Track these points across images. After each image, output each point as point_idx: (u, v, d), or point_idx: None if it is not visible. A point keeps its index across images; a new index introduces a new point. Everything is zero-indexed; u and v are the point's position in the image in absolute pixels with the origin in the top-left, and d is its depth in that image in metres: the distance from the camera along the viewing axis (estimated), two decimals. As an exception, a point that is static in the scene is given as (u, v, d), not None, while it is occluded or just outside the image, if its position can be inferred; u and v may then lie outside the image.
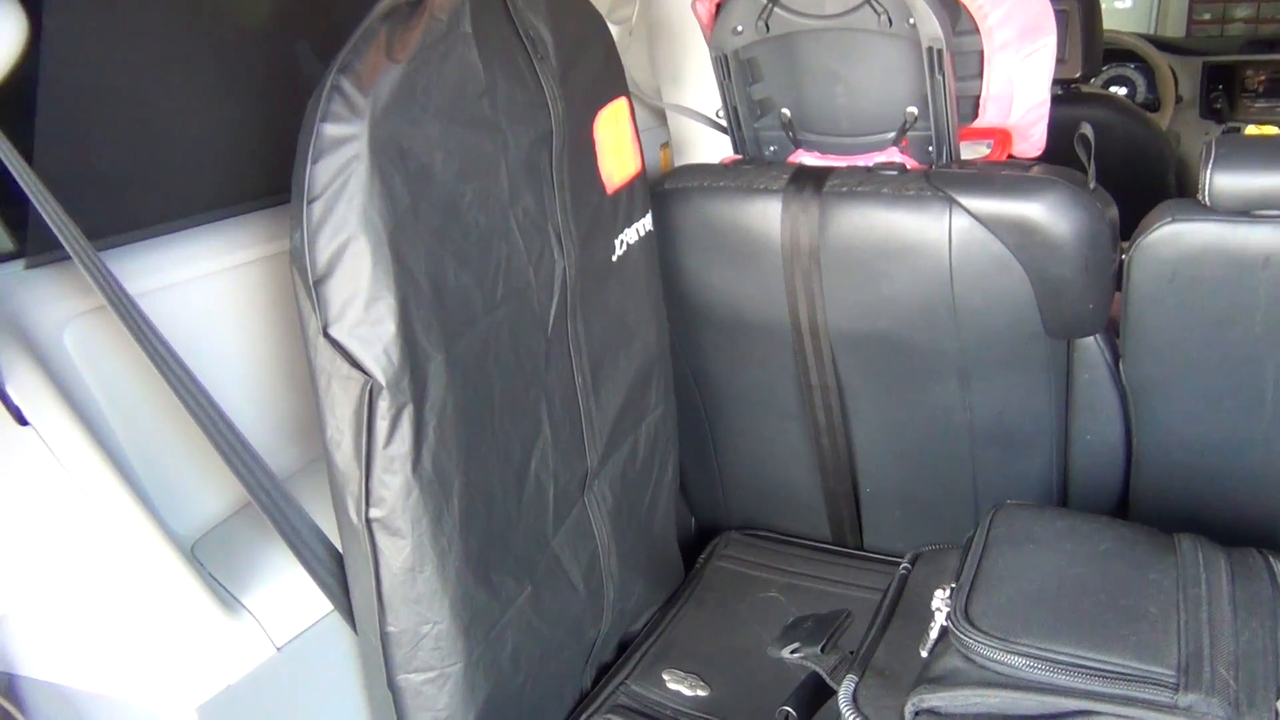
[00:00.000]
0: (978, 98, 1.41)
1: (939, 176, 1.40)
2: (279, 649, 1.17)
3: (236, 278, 1.32)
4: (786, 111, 1.51)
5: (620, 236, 1.46)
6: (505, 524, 1.25)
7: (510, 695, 1.29)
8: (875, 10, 1.34)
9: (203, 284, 1.29)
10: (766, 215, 1.49)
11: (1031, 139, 1.46)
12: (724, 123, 1.57)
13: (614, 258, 1.45)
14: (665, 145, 2.12)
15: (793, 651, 1.24)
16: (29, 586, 1.08)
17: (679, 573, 1.79)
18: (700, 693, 1.51)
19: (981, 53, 1.37)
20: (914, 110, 1.42)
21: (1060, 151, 1.45)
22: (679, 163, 2.08)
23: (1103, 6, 2.55)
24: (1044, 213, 1.34)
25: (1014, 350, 1.48)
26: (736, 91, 1.50)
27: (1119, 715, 0.95)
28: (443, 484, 1.12)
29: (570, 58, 1.31)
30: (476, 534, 1.18)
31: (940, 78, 1.35)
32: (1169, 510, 1.53)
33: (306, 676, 1.23)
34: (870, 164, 1.48)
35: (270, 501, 1.10)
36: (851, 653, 1.19)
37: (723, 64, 1.47)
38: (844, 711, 1.09)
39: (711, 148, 1.72)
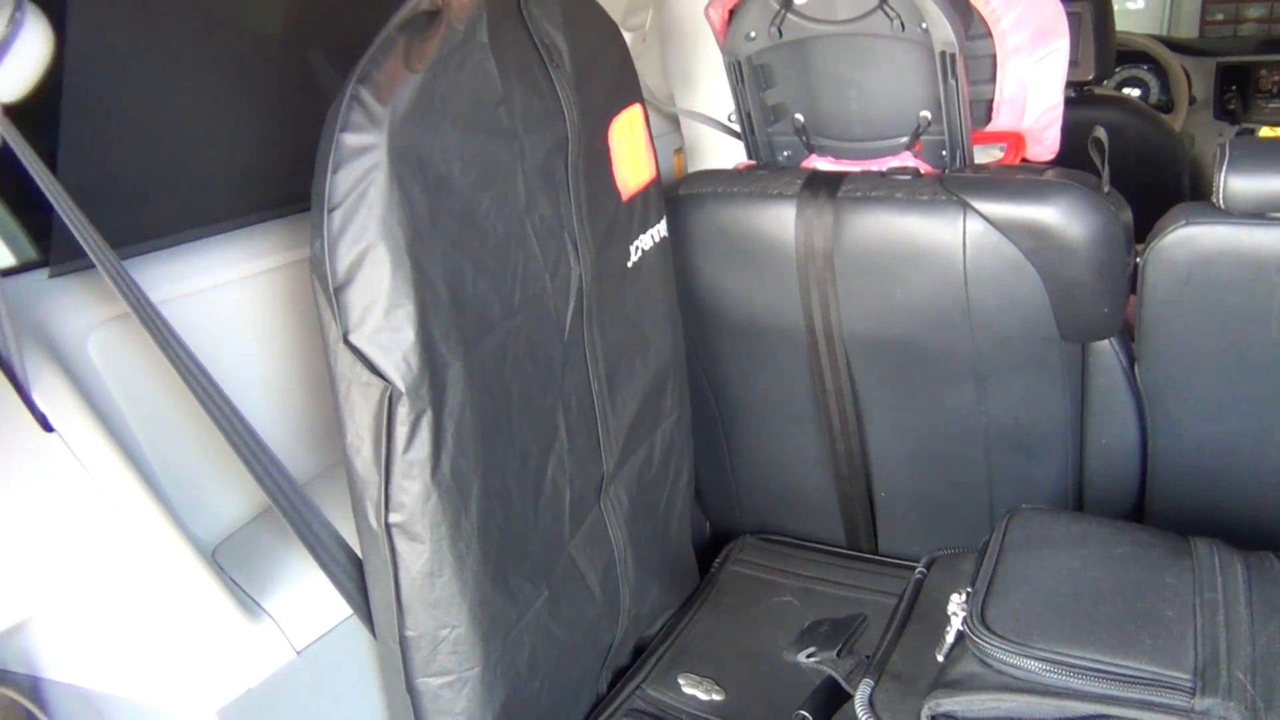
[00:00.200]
0: (991, 101, 1.41)
1: (953, 181, 1.41)
2: (299, 653, 1.18)
3: (257, 285, 1.34)
4: (800, 117, 1.51)
5: (635, 242, 1.47)
6: (522, 529, 1.26)
7: (527, 699, 1.30)
8: (888, 15, 1.34)
9: (224, 291, 1.30)
10: (781, 220, 1.50)
11: (1045, 142, 1.46)
12: (738, 128, 1.57)
13: (629, 264, 1.45)
14: (679, 151, 2.12)
15: (808, 656, 1.25)
16: (53, 590, 1.09)
17: (694, 577, 1.79)
18: (716, 697, 1.51)
19: (994, 56, 1.37)
20: (927, 115, 1.42)
21: (1074, 154, 1.45)
22: (693, 168, 2.08)
23: (1115, 7, 2.55)
24: (1058, 216, 1.34)
25: (1029, 354, 1.48)
26: (750, 97, 1.50)
27: None
28: (461, 489, 1.13)
29: (585, 65, 1.31)
30: (494, 539, 1.19)
31: (953, 82, 1.35)
32: (1185, 514, 1.52)
33: (326, 680, 1.24)
34: (884, 169, 1.49)
35: (290, 506, 1.12)
36: (867, 657, 1.19)
37: (736, 70, 1.48)
38: (860, 716, 1.09)
39: (725, 153, 1.72)
